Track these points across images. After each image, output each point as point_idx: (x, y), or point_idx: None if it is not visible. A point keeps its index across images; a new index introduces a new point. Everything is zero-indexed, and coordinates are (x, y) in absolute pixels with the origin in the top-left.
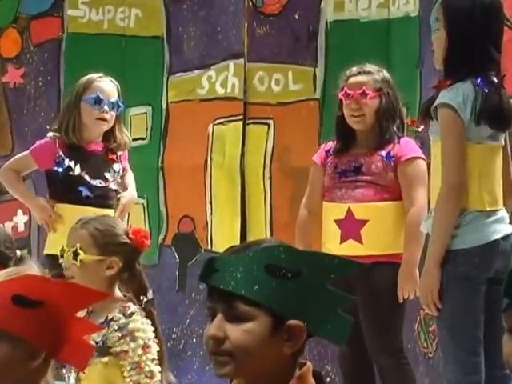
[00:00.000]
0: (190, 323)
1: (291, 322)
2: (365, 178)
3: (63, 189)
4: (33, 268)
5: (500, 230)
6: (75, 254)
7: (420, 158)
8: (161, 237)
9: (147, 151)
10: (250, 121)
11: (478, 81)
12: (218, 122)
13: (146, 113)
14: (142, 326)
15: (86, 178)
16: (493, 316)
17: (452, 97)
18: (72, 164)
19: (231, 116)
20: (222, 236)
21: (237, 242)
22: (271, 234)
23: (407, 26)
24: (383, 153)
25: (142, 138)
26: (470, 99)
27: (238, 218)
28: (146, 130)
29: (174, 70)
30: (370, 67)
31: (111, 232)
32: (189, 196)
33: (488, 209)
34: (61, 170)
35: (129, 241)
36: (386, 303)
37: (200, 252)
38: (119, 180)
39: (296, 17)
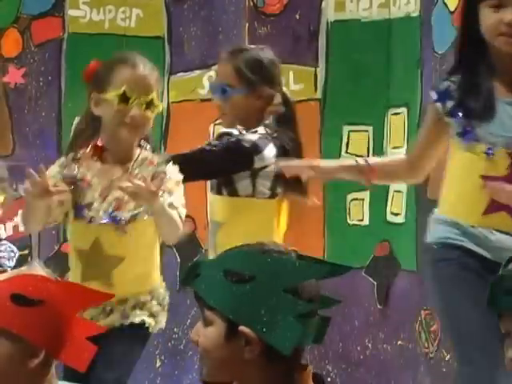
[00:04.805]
0: (190, 323)
1: (241, 327)
2: None
3: None
4: (37, 269)
5: None
6: None
7: None
8: None
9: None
10: None
11: None
12: (218, 122)
13: None
14: None
15: None
16: None
17: None
18: None
19: None
20: None
21: None
22: None
23: (408, 26)
24: None
25: None
26: None
27: None
28: None
29: (175, 70)
30: None
31: None
32: (189, 196)
33: None
34: None
35: None
36: None
37: (201, 252)
38: None
39: (297, 17)
